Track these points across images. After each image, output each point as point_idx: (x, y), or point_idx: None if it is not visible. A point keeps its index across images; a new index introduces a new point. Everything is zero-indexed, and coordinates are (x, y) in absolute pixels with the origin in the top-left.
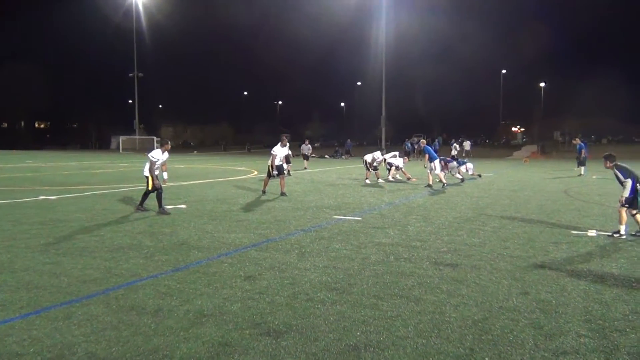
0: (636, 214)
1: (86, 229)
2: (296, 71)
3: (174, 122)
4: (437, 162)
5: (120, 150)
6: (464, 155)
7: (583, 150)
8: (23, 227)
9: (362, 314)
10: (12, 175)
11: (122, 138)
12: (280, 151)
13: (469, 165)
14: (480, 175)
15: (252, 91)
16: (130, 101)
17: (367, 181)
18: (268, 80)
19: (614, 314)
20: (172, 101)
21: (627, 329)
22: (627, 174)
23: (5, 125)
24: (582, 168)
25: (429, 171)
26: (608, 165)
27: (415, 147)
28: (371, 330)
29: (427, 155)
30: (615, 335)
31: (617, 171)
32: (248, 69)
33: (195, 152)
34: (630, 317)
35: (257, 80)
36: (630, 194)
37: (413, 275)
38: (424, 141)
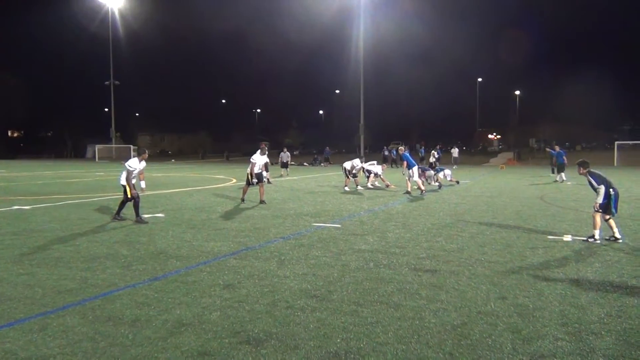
0: (609, 219)
1: (61, 239)
2: (275, 79)
3: (151, 130)
4: (415, 168)
5: (97, 159)
6: (452, 162)
7: (564, 157)
8: None
9: (342, 320)
10: None
11: (98, 147)
12: (259, 159)
13: (447, 172)
14: (458, 182)
15: (230, 99)
16: (106, 109)
17: (347, 188)
18: (246, 89)
19: (589, 317)
20: (149, 109)
21: (603, 332)
22: (600, 180)
23: None
24: (562, 174)
25: (407, 178)
26: (582, 171)
27: (393, 154)
28: (351, 337)
29: (405, 162)
30: (591, 338)
31: (590, 177)
32: (226, 76)
33: (173, 160)
34: (605, 320)
35: (235, 88)
36: (603, 200)
37: (392, 282)
38: (402, 148)
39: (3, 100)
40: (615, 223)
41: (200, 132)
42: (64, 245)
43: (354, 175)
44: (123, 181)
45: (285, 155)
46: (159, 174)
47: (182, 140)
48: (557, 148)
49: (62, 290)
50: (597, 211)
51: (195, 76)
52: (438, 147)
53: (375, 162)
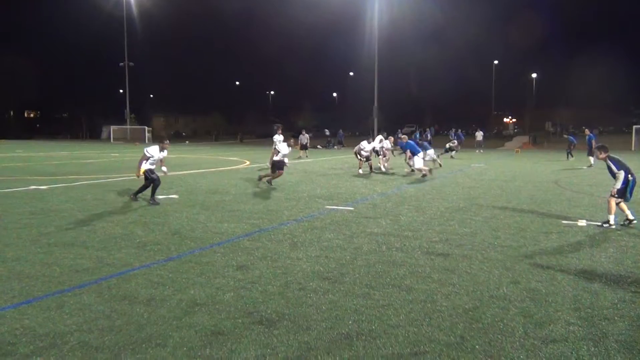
0: (620, 202)
1: (77, 218)
2: (288, 61)
3: (166, 112)
4: (418, 156)
5: (112, 140)
6: (475, 145)
7: (593, 141)
8: (14, 217)
9: (354, 302)
10: (2, 165)
11: (113, 128)
12: (285, 150)
13: (430, 151)
14: (440, 165)
15: (244, 81)
16: (121, 91)
17: (360, 171)
18: (260, 70)
19: (602, 303)
20: (163, 91)
21: (616, 317)
22: (620, 165)
23: None
24: (591, 158)
25: (411, 164)
26: (601, 156)
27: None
28: (363, 319)
29: (407, 152)
30: (603, 323)
31: (610, 162)
32: (240, 58)
33: (187, 142)
34: (618, 305)
35: (249, 69)
36: (621, 186)
37: (405, 265)
38: (405, 137)
39: (19, 81)
40: (627, 206)
41: (213, 114)
42: (80, 225)
43: (367, 159)
44: (145, 165)
45: (305, 137)
46: (173, 156)
47: (196, 122)
48: (587, 132)
49: (78, 269)
50: (613, 196)
51: (209, 57)
52: (433, 127)
53: (381, 137)
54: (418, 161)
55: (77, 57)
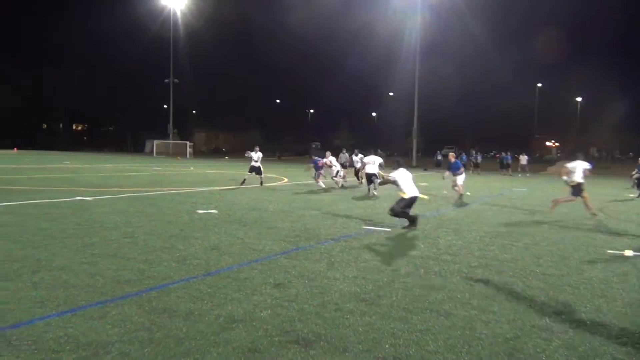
0: None
1: (120, 230)
2: (329, 80)
3: (207, 127)
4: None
5: (154, 154)
6: (519, 169)
7: None
8: (60, 227)
9: (392, 326)
10: (50, 176)
11: (156, 142)
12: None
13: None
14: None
15: (283, 99)
16: (165, 106)
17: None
18: (299, 89)
19: None
20: (205, 107)
21: None
22: None
23: (45, 126)
24: None
25: (455, 185)
26: None
27: (472, 159)
28: (400, 343)
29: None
30: None
31: None
32: (281, 76)
33: (226, 157)
34: None
35: (288, 88)
36: None
37: (443, 290)
38: (453, 154)
39: (69, 95)
40: None
41: (253, 131)
42: (123, 237)
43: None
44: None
45: (344, 156)
46: (212, 171)
47: (236, 138)
48: None
49: (121, 281)
50: None
51: (251, 75)
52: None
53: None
54: (459, 179)
55: (123, 72)
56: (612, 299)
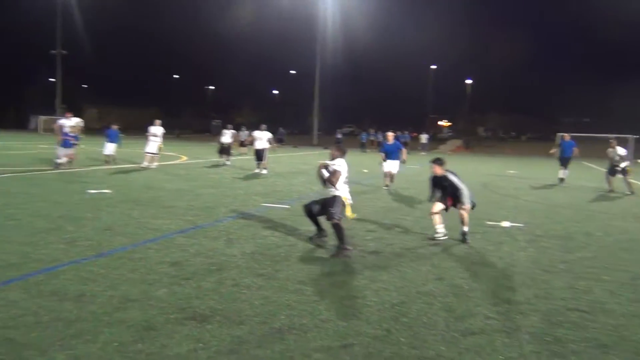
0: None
1: (1, 213)
2: (229, 57)
3: (99, 103)
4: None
5: (40, 131)
6: (419, 147)
7: (575, 149)
8: None
9: (287, 298)
10: None
11: (41, 118)
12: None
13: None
14: None
15: (183, 75)
16: (51, 80)
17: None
18: (199, 65)
19: (518, 298)
20: (97, 82)
21: (529, 312)
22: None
23: None
24: (566, 171)
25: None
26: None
27: (372, 139)
28: (295, 313)
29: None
30: (518, 317)
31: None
32: (179, 52)
33: (121, 135)
34: (532, 300)
35: (188, 64)
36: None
37: (339, 262)
38: (391, 134)
39: None
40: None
41: (150, 107)
42: (5, 219)
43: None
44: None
45: (244, 134)
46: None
47: (132, 115)
48: (568, 137)
49: (3, 265)
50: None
51: (148, 50)
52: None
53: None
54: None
55: (4, 43)
56: (488, 266)
